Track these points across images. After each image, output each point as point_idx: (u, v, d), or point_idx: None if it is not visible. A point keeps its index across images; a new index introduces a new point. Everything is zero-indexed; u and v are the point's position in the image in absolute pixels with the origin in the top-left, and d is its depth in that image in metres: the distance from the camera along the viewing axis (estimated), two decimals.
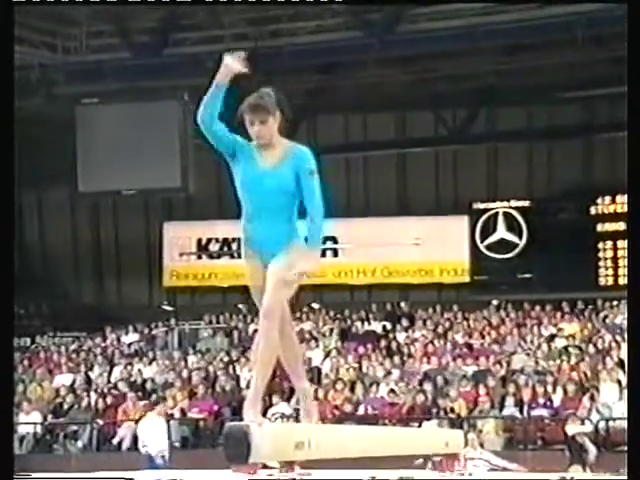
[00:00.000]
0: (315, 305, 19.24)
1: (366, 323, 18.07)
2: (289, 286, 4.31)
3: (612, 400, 13.17)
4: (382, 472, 5.99)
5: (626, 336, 15.33)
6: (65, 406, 15.42)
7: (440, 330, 16.94)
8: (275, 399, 13.92)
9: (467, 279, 19.86)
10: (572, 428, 12.66)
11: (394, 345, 16.33)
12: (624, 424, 12.77)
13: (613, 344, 14.93)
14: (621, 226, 18.86)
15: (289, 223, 4.33)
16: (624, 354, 14.52)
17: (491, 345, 15.89)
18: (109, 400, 15.27)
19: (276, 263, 4.29)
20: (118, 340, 18.64)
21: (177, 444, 14.18)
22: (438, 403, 13.83)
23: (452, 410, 13.66)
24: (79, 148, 17.71)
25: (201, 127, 4.24)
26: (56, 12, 16.56)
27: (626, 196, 18.81)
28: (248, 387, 15.30)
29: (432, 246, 19.61)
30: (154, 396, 15.00)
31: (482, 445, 12.69)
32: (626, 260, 18.87)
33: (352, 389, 14.59)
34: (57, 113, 17.77)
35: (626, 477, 4.60)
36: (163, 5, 15.91)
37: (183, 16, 17.20)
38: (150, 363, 16.83)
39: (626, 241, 18.65)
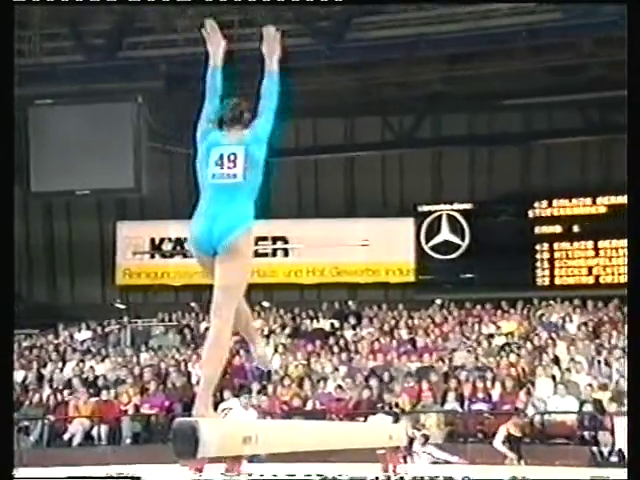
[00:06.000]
0: (266, 303, 19.45)
1: (315, 321, 18.28)
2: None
3: (547, 394, 13.54)
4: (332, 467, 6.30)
5: (560, 333, 16.07)
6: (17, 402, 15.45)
7: (386, 328, 17.20)
8: (226, 394, 14.04)
9: (412, 279, 20.16)
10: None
11: (342, 342, 16.55)
12: (558, 417, 13.30)
13: (549, 341, 15.38)
14: (557, 229, 19.44)
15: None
16: (559, 351, 15.04)
17: (434, 342, 16.17)
18: (61, 396, 15.31)
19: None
20: (71, 337, 18.66)
21: (129, 440, 14.37)
22: (383, 398, 14.07)
23: (397, 405, 13.89)
24: (32, 148, 17.79)
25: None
26: None
27: (562, 200, 19.59)
28: (199, 383, 15.58)
29: (379, 247, 19.92)
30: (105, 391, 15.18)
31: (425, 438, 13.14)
32: (562, 261, 19.58)
33: (301, 385, 14.79)
34: None
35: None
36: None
37: (137, 20, 17.38)
38: (103, 360, 16.90)
39: (579, 242, 19.41)
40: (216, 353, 4.42)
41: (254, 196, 4.54)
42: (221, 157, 4.51)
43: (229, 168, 4.48)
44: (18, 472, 5.37)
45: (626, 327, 15.34)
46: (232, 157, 4.49)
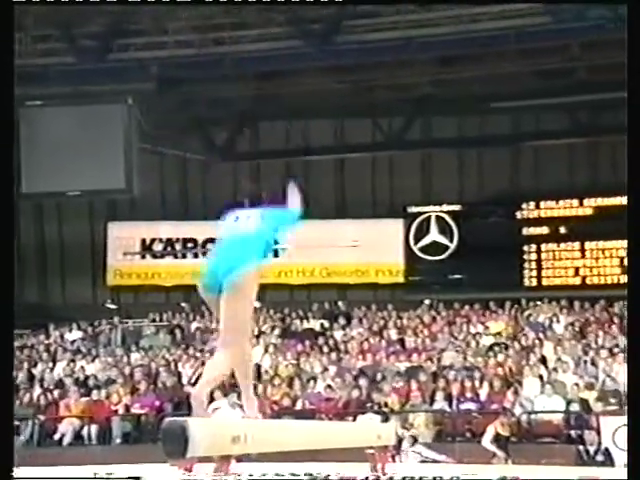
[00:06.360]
0: (256, 304, 19.61)
1: (305, 321, 18.39)
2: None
3: (534, 394, 13.65)
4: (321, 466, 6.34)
5: (547, 333, 16.23)
6: None
7: (375, 328, 17.30)
8: (216, 394, 14.03)
9: (401, 279, 20.30)
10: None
11: (331, 342, 16.64)
12: (545, 417, 13.42)
13: (536, 341, 15.51)
14: (544, 230, 19.63)
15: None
16: (546, 351, 15.18)
17: (423, 342, 16.28)
18: (51, 396, 15.35)
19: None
20: (61, 337, 18.71)
21: (119, 439, 14.40)
22: (372, 398, 14.13)
23: (385, 404, 13.97)
24: (23, 150, 17.80)
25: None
26: None
27: (549, 202, 19.79)
28: (189, 383, 15.65)
29: (369, 248, 20.03)
30: (95, 391, 15.24)
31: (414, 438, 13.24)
32: (549, 262, 19.77)
33: (290, 384, 14.86)
34: None
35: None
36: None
37: (128, 22, 17.44)
38: (93, 360, 16.95)
39: (565, 244, 19.61)
40: (221, 363, 4.76)
41: (263, 247, 4.89)
42: (237, 217, 5.00)
43: (243, 224, 4.94)
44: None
45: (614, 327, 15.57)
46: (248, 217, 4.98)
